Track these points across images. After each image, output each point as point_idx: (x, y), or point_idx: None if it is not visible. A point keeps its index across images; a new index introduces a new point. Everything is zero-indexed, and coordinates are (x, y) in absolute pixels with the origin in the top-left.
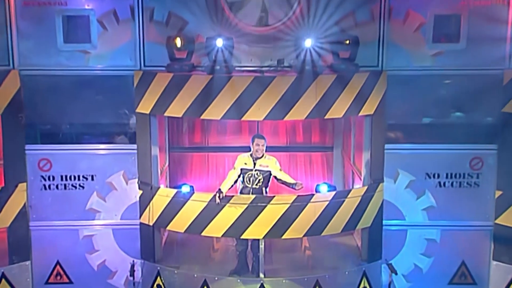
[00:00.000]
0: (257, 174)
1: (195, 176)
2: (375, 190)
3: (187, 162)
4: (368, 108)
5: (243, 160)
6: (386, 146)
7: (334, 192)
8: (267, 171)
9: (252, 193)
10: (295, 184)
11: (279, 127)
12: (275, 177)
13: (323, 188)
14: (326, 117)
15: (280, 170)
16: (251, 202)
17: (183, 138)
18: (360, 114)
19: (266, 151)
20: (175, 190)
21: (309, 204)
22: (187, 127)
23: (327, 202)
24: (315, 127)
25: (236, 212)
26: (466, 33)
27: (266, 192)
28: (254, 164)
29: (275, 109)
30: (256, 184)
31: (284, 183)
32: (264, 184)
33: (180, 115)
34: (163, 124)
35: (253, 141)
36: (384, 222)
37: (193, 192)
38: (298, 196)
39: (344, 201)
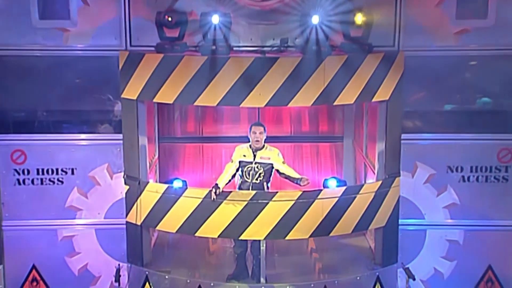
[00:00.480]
0: (257, 167)
1: (188, 169)
2: (390, 186)
3: (179, 154)
4: (383, 94)
5: (242, 152)
6: (403, 136)
7: (344, 188)
8: (269, 164)
9: (252, 189)
10: (300, 179)
11: (282, 115)
12: (277, 170)
13: (332, 183)
14: (335, 103)
15: (283, 162)
16: (251, 199)
17: (174, 127)
18: (374, 100)
19: (267, 141)
20: (165, 186)
21: (316, 201)
22: (179, 114)
23: (336, 199)
24: (323, 114)
25: (234, 210)
26: (494, 8)
27: (267, 188)
28: (254, 156)
29: (278, 94)
30: (257, 179)
31: (287, 177)
32: (266, 178)
33: (171, 101)
34: (152, 112)
35: (250, 130)
36: (400, 221)
37: (186, 188)
38: (304, 192)
39: (355, 197)
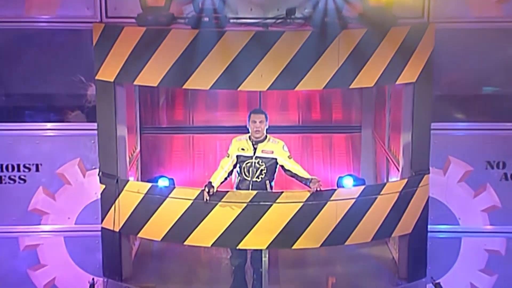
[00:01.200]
0: (258, 162)
1: (176, 165)
2: (418, 185)
3: (166, 147)
4: (409, 74)
5: (240, 145)
6: (433, 125)
7: (362, 187)
8: (272, 158)
9: (252, 188)
10: (310, 180)
11: (288, 100)
12: (282, 167)
13: (348, 181)
14: (352, 86)
15: (290, 157)
16: (251, 200)
17: (159, 115)
18: (398, 82)
19: (270, 132)
20: (149, 185)
21: (328, 203)
22: (165, 100)
23: (353, 201)
24: (337, 100)
25: (231, 214)
26: None
27: (270, 187)
28: (255, 149)
29: (283, 75)
30: (258, 176)
31: (294, 176)
32: (268, 176)
33: (155, 84)
34: (133, 96)
35: (249, 118)
36: (430, 227)
37: (174, 187)
38: (314, 192)
39: (375, 199)
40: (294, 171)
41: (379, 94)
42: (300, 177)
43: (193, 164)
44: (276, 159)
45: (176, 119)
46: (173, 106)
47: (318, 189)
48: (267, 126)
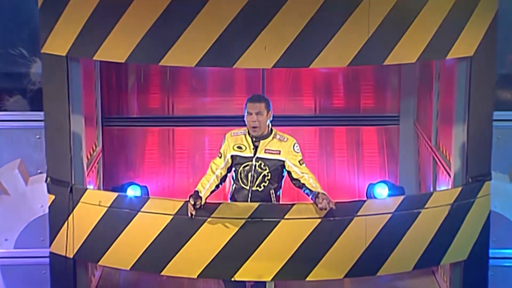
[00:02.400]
0: (260, 166)
1: (151, 169)
2: (476, 195)
3: (137, 144)
4: (464, 47)
5: (236, 141)
6: (496, 115)
7: (400, 198)
8: (279, 160)
9: (251, 200)
10: (317, 195)
11: (301, 82)
12: (289, 173)
13: (381, 190)
14: (386, 62)
15: (301, 162)
16: (251, 216)
17: (128, 102)
18: (450, 56)
19: (278, 124)
20: (115, 194)
21: (355, 219)
22: (136, 81)
23: (388, 216)
24: (367, 81)
25: (225, 234)
26: None
27: (276, 198)
28: (255, 148)
29: (293, 48)
30: (259, 184)
31: (302, 187)
32: (273, 183)
33: (122, 60)
34: (93, 76)
35: (245, 108)
36: (491, 252)
37: (148, 198)
38: (337, 204)
39: (418, 214)
40: (303, 181)
41: (424, 73)
42: (309, 189)
43: (174, 167)
44: (283, 161)
45: (150, 107)
46: (146, 89)
47: (326, 207)
48: (271, 118)
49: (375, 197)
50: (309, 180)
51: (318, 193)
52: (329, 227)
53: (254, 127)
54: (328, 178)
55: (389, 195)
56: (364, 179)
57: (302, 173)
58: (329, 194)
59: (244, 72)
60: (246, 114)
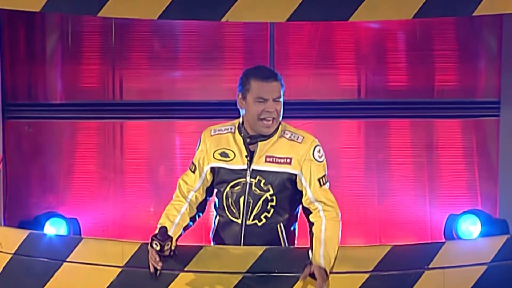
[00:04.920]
0: (259, 184)
1: (84, 191)
2: None
3: (61, 150)
4: None
5: (218, 144)
6: None
7: (503, 239)
8: (290, 174)
9: (245, 241)
10: (309, 262)
11: (335, 48)
12: (300, 194)
13: (470, 226)
14: (476, 13)
15: (323, 181)
16: (250, 269)
17: (47, 81)
18: None
19: (293, 117)
20: (24, 233)
21: (425, 274)
22: (60, 47)
23: (483, 269)
24: (444, 47)
25: None
26: None
27: (288, 237)
28: (251, 154)
29: None
30: (258, 216)
31: (309, 233)
32: (282, 213)
33: (37, 9)
34: None
35: (243, 86)
36: None
37: (80, 239)
38: (393, 248)
39: None
40: (312, 218)
41: None
42: (312, 234)
43: (123, 187)
44: (296, 175)
45: (83, 88)
46: (77, 60)
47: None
48: (282, 105)
49: (459, 237)
50: (320, 221)
51: (309, 264)
52: (382, 286)
53: (268, 124)
54: (380, 206)
55: (483, 234)
56: (440, 207)
57: (317, 200)
58: (384, 232)
59: (239, 31)
60: (252, 101)
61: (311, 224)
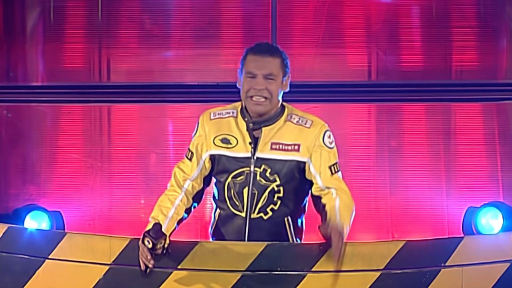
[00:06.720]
0: (264, 173)
1: (68, 181)
2: None
3: (43, 137)
4: None
5: (219, 129)
6: None
7: None
8: (298, 162)
9: (250, 235)
10: (328, 225)
11: (343, 22)
12: (310, 185)
13: (492, 220)
14: None
15: (334, 169)
16: (250, 266)
17: (26, 60)
18: None
19: (299, 101)
20: (3, 227)
21: (442, 272)
22: (41, 21)
23: (506, 266)
24: (463, 22)
25: None
26: None
27: (295, 231)
28: (255, 141)
29: None
30: (264, 208)
31: (321, 212)
32: (290, 205)
33: None
34: None
35: (242, 65)
36: None
37: (63, 234)
38: (407, 244)
39: None
40: (324, 201)
41: None
42: (324, 208)
43: (110, 178)
44: (304, 162)
45: (67, 68)
46: (59, 36)
47: (338, 253)
48: (287, 88)
49: (479, 232)
50: (335, 201)
51: (331, 225)
52: (394, 285)
53: (258, 102)
54: (392, 198)
55: (505, 229)
56: (458, 199)
57: (327, 187)
58: (397, 226)
59: (238, 6)
60: (243, 77)
61: (323, 206)
